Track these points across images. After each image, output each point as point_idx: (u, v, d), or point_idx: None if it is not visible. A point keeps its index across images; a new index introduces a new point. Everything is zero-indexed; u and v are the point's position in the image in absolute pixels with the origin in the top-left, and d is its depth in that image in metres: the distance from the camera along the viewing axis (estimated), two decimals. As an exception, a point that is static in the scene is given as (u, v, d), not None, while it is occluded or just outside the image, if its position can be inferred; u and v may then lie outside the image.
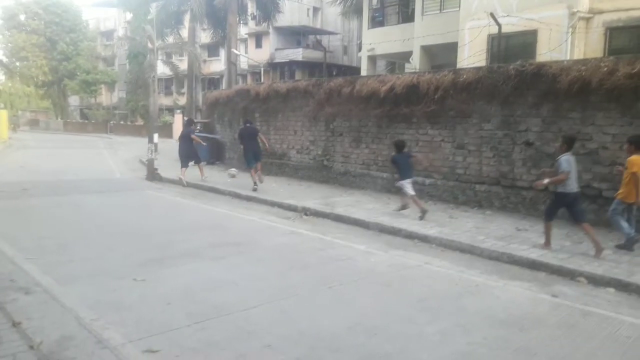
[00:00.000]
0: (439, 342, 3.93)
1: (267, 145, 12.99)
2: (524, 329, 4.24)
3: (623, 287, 5.39)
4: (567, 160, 6.44)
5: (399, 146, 9.21)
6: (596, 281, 5.59)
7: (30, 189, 11.53)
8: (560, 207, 6.70)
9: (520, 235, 7.42)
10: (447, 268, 6.09)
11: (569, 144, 6.64)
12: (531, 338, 4.06)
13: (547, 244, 6.72)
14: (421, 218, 8.47)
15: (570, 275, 5.79)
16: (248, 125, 12.79)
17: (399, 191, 9.12)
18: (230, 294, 4.89)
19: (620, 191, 6.71)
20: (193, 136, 13.98)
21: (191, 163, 13.78)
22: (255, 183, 11.83)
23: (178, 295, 4.80)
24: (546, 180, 6.64)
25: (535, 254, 6.38)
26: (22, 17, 51.96)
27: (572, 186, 6.50)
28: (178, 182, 13.44)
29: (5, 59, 54.23)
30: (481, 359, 3.67)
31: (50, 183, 12.76)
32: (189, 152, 13.84)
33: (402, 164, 9.00)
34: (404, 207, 8.99)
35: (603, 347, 3.96)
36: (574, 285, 5.56)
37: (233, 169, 14.50)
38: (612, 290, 5.40)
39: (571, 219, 6.81)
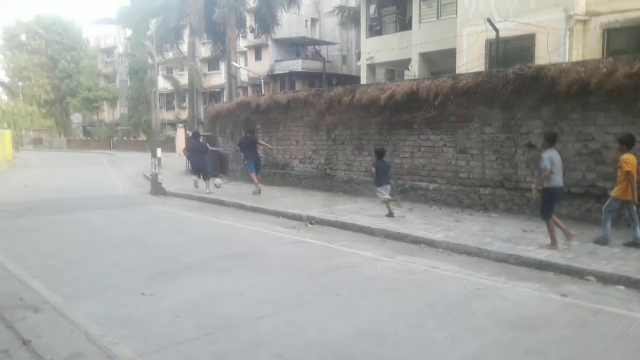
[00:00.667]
0: (449, 347, 3.91)
1: (269, 146, 13.92)
2: (534, 329, 4.22)
3: (633, 284, 5.36)
4: (548, 157, 6.64)
5: (380, 153, 9.63)
6: (605, 279, 5.56)
7: (35, 207, 11.58)
8: (553, 202, 6.81)
9: (527, 237, 7.40)
10: (454, 272, 6.07)
11: (550, 140, 6.86)
12: (542, 339, 4.04)
13: (553, 243, 6.72)
14: (389, 216, 9.19)
15: (578, 274, 5.77)
16: (248, 135, 13.20)
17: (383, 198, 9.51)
18: (237, 305, 4.88)
19: (615, 189, 6.83)
20: (218, 149, 14.83)
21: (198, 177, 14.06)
22: (256, 185, 12.39)
23: (186, 308, 4.80)
24: (534, 186, 6.88)
25: (542, 255, 6.35)
26: (23, 37, 52.57)
27: (558, 181, 6.72)
28: (184, 195, 13.56)
29: (7, 79, 54.73)
30: (492, 361, 3.65)
31: (55, 201, 12.81)
32: (201, 166, 14.04)
33: (381, 171, 9.44)
34: (390, 214, 9.27)
35: (615, 345, 3.93)
36: (583, 284, 5.54)
37: (218, 180, 14.77)
38: (621, 287, 5.38)
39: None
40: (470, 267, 6.30)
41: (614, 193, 6.84)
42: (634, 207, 6.81)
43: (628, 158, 6.62)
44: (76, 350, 3.87)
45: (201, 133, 20.20)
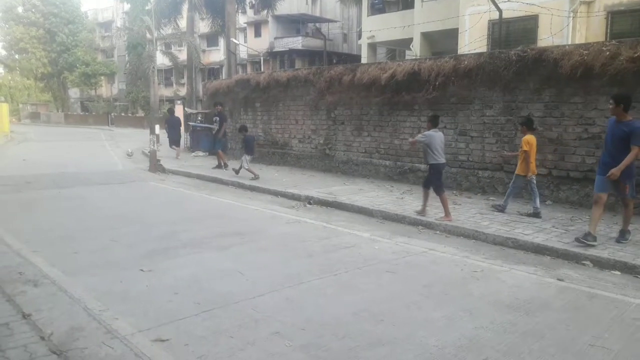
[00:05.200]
0: (445, 327, 3.95)
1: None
2: (530, 312, 4.27)
3: (629, 269, 5.41)
4: (428, 135, 7.53)
5: (244, 129, 12.47)
6: (602, 264, 5.61)
7: (33, 182, 11.56)
8: (438, 176, 7.63)
9: (524, 220, 7.43)
10: (451, 254, 6.11)
11: (432, 122, 7.78)
12: (538, 322, 4.08)
13: (447, 215, 7.47)
14: (253, 179, 11.55)
15: (575, 258, 5.82)
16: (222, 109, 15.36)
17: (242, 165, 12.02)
18: (236, 283, 4.91)
19: (518, 167, 7.81)
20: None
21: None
22: (226, 164, 13.91)
23: (185, 285, 4.83)
24: (410, 140, 8.34)
25: (539, 239, 6.39)
26: (20, 9, 51.66)
27: (440, 158, 7.55)
28: (182, 173, 13.56)
29: (4, 52, 54.00)
30: (488, 343, 3.68)
31: (53, 176, 12.77)
32: (174, 136, 17.77)
33: (248, 143, 12.00)
34: (255, 177, 11.64)
35: (610, 329, 3.98)
36: (580, 269, 5.59)
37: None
38: (617, 272, 5.43)
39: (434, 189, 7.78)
40: (468, 249, 6.34)
41: (517, 171, 7.77)
42: (534, 181, 7.77)
43: (528, 139, 7.56)
44: (76, 324, 3.89)
45: (200, 110, 20.77)
